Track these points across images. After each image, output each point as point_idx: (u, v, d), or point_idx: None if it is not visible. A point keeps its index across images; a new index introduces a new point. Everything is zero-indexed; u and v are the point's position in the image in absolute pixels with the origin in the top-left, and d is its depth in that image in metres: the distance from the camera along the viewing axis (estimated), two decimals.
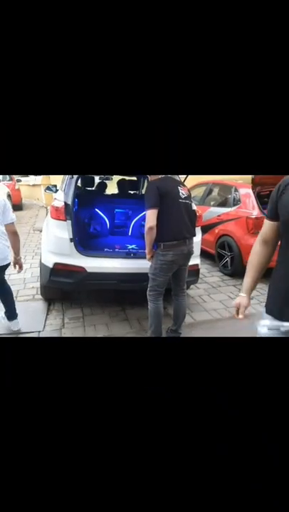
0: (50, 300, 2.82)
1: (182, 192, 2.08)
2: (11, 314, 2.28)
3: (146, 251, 2.05)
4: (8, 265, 2.12)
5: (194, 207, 2.45)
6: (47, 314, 2.62)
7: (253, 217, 3.27)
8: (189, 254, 2.09)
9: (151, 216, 1.94)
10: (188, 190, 2.24)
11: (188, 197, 2.16)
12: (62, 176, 3.84)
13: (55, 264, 2.31)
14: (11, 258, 2.12)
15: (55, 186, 3.47)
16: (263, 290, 3.17)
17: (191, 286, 2.92)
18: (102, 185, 3.95)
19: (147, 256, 2.07)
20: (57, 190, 3.21)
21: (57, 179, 5.50)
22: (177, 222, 2.00)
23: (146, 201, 1.99)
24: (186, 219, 2.06)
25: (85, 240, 2.78)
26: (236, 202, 3.62)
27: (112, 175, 2.64)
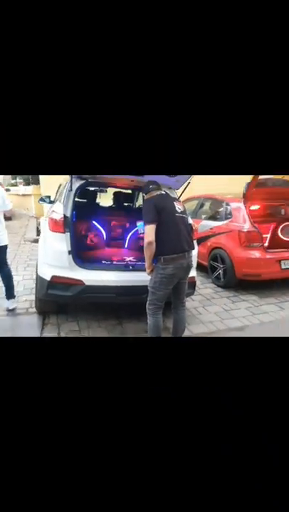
0: (45, 313, 2.76)
1: (178, 207, 2.14)
2: (10, 294, 2.75)
3: (146, 265, 2.07)
4: (6, 246, 2.66)
5: (190, 221, 2.51)
6: (42, 328, 2.56)
7: (245, 231, 3.37)
8: (189, 267, 2.13)
9: (149, 231, 1.97)
10: (183, 205, 2.29)
11: (184, 211, 2.21)
12: (55, 187, 3.83)
13: (53, 276, 2.29)
14: (7, 241, 2.66)
15: (49, 197, 3.44)
16: (256, 302, 3.24)
17: (187, 298, 2.94)
18: (93, 194, 3.69)
19: (147, 270, 2.09)
20: (51, 202, 3.18)
21: (48, 190, 5.46)
22: (176, 236, 2.03)
23: (144, 217, 2.03)
24: (185, 232, 2.10)
25: (83, 252, 2.77)
26: (227, 216, 3.72)
27: (112, 175, 2.66)
